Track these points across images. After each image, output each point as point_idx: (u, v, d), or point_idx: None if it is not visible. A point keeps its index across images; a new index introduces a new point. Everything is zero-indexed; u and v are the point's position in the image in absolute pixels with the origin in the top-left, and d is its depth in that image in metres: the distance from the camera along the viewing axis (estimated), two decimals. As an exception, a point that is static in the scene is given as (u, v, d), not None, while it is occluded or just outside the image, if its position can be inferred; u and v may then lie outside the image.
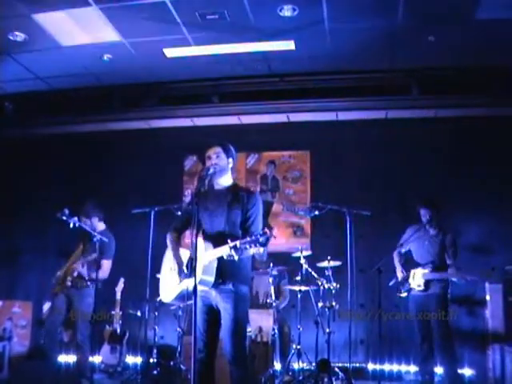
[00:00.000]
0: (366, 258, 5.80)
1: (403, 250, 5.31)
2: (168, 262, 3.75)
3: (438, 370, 5.23)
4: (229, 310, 3.44)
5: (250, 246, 3.22)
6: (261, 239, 3.19)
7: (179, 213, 5.11)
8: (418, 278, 5.03)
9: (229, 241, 3.29)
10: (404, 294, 5.16)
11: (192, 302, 3.41)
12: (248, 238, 3.23)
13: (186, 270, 3.50)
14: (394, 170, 6.51)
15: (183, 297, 3.55)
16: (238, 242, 3.25)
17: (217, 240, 3.45)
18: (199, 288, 3.22)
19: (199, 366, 3.38)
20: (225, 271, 3.43)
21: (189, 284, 3.44)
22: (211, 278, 3.40)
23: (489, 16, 4.89)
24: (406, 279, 5.14)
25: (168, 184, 6.96)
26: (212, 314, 3.53)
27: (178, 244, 3.74)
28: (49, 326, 5.36)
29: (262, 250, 3.26)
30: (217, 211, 3.59)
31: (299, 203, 6.90)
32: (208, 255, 3.41)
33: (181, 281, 3.48)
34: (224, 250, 3.32)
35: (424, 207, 5.11)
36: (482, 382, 5.76)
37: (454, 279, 4.96)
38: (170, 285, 3.67)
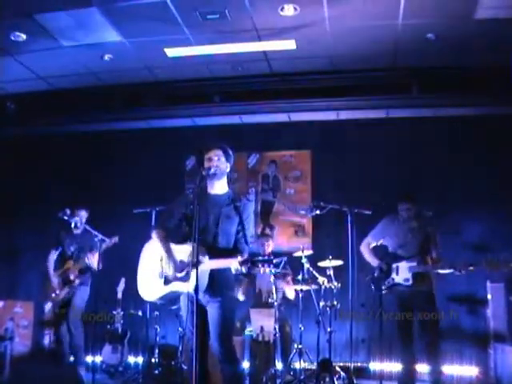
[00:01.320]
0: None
1: (374, 244, 5.17)
2: (150, 259, 3.73)
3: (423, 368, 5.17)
4: (216, 309, 3.49)
5: (263, 266, 3.21)
6: (274, 261, 3.19)
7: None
8: (403, 272, 4.80)
9: (239, 256, 3.31)
10: (385, 291, 4.91)
11: (178, 305, 3.46)
12: (260, 257, 3.26)
13: (183, 274, 3.48)
14: (394, 168, 6.51)
15: (170, 298, 3.59)
16: (249, 259, 3.27)
17: (209, 248, 3.44)
18: (192, 292, 3.24)
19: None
20: (216, 277, 3.47)
21: (179, 287, 3.49)
22: (204, 284, 3.42)
23: (488, 15, 4.89)
24: (385, 272, 4.91)
25: (169, 184, 6.94)
26: (201, 313, 3.51)
27: (169, 243, 3.68)
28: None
29: (272, 270, 3.24)
30: (209, 216, 3.56)
31: (300, 203, 6.90)
32: (212, 264, 3.41)
33: (186, 280, 3.42)
34: (233, 263, 3.33)
35: (404, 201, 5.01)
36: (483, 381, 5.76)
37: (444, 271, 4.67)
38: (154, 283, 3.66)
